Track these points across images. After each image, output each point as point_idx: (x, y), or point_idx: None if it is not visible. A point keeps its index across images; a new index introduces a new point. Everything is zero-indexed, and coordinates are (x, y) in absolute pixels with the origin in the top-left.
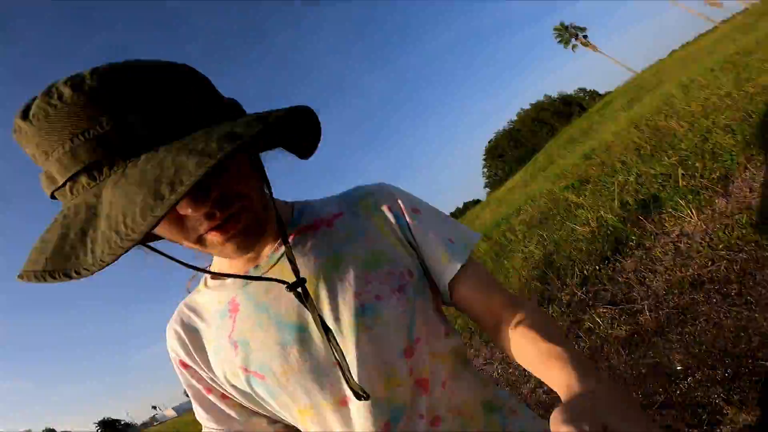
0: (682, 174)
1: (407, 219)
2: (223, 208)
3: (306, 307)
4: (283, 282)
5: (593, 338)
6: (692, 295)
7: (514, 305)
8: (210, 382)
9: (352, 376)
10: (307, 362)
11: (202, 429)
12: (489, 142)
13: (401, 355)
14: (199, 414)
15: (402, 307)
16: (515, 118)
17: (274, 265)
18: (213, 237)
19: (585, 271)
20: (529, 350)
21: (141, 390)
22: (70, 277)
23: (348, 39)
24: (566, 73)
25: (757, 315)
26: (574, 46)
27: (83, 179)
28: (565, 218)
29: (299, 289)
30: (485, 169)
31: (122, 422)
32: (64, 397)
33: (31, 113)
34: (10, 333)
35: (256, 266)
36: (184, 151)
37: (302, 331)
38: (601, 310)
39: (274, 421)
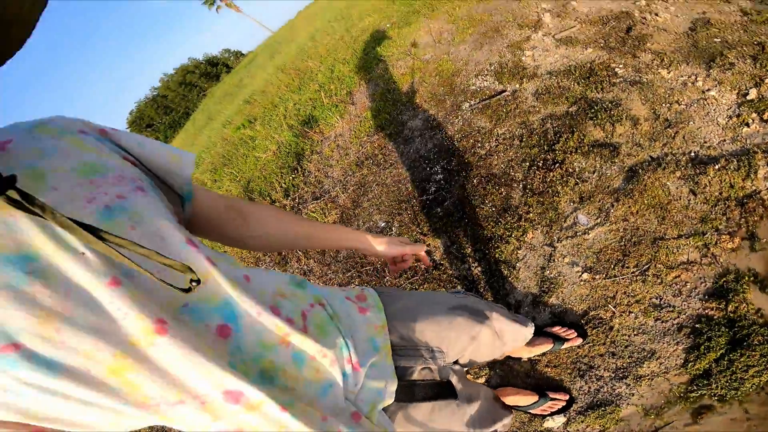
0: (324, 96)
1: (112, 138)
2: None
3: (29, 210)
4: None
5: None
6: (361, 172)
7: (250, 202)
8: None
9: (169, 265)
10: (70, 299)
11: None
12: (131, 113)
13: (186, 246)
14: None
15: (152, 201)
16: (159, 84)
17: None
18: None
19: (284, 184)
20: (294, 229)
21: None
22: None
23: None
24: (211, 36)
25: (398, 170)
26: (218, 7)
27: None
28: (247, 153)
29: (11, 192)
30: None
31: None
32: None
33: None
34: None
35: None
36: None
37: (35, 261)
38: (311, 206)
39: None
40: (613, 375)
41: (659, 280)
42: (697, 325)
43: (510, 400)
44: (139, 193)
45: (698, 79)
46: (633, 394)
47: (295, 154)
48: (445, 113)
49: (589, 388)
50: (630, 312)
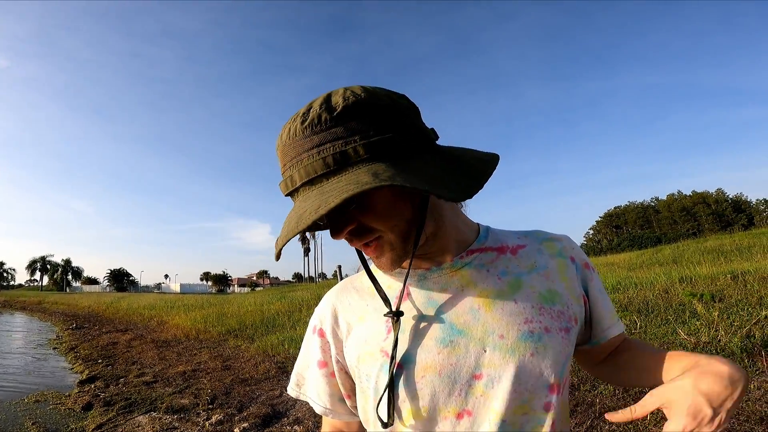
0: None
1: (587, 273)
2: (357, 238)
3: (393, 328)
4: (387, 302)
5: None
6: None
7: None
8: (329, 357)
9: (395, 399)
10: (451, 366)
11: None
12: (614, 208)
13: (547, 390)
14: (296, 378)
15: (564, 346)
16: (663, 197)
17: (457, 270)
18: (365, 252)
19: None
20: (645, 358)
21: (166, 256)
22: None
23: (532, 42)
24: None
25: None
26: None
27: (298, 192)
28: (674, 320)
29: (393, 317)
30: (590, 231)
31: (131, 278)
32: (95, 237)
33: (287, 130)
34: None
35: (440, 267)
36: (319, 196)
37: (462, 336)
38: None
39: (352, 414)
40: None
41: None
42: None
43: None
44: (561, 334)
45: None
46: None
47: None
48: None
49: None
50: None
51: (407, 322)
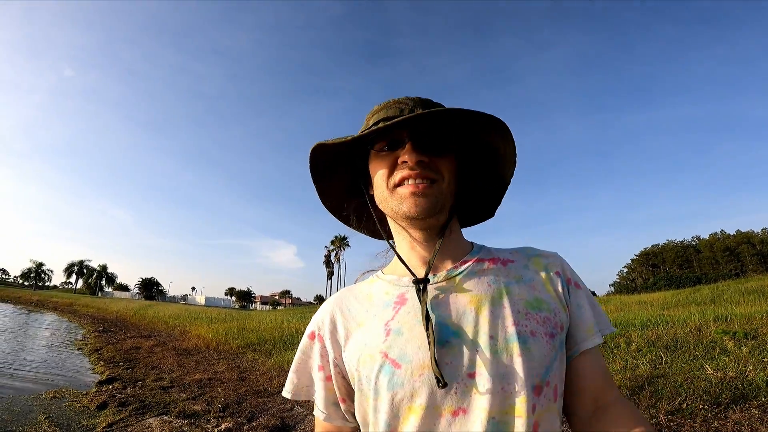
0: None
1: (570, 287)
2: (421, 170)
3: (419, 299)
4: (413, 273)
5: None
6: None
7: (622, 401)
8: (327, 362)
9: (436, 363)
10: (447, 365)
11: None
12: (651, 246)
13: (531, 390)
14: (291, 381)
15: (549, 350)
16: (705, 237)
17: (451, 278)
18: (403, 189)
19: (684, 405)
20: None
21: (194, 268)
22: (320, 147)
23: (569, 71)
24: None
25: None
26: None
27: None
28: (703, 356)
29: (420, 286)
30: (625, 269)
31: (160, 287)
32: (131, 245)
33: (400, 97)
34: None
35: (435, 275)
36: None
37: (456, 337)
38: None
39: (345, 419)
40: None
41: None
42: None
43: None
44: (546, 338)
45: None
46: None
47: (739, 395)
48: None
49: None
50: None
51: (405, 324)
